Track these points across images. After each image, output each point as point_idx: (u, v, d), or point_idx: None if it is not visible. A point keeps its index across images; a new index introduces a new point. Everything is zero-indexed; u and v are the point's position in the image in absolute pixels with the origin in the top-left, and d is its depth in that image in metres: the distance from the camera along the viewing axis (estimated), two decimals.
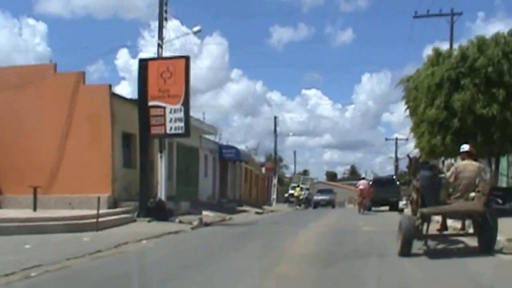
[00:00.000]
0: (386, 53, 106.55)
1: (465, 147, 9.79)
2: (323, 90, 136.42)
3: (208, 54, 77.33)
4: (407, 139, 61.20)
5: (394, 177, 36.55)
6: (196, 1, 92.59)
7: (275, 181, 46.85)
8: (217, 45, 77.66)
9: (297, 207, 40.30)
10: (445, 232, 10.38)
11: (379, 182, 33.65)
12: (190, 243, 12.99)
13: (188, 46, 66.83)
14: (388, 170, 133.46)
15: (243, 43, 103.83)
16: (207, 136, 31.76)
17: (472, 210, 9.07)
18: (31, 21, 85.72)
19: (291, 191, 55.48)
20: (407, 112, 19.48)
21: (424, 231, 9.55)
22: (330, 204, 43.02)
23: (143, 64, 18.37)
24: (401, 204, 32.93)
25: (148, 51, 75.79)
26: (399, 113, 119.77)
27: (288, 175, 72.52)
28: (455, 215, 9.89)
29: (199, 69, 62.00)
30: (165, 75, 17.99)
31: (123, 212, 17.72)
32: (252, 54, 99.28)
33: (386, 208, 33.56)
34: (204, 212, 24.02)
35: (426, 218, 9.31)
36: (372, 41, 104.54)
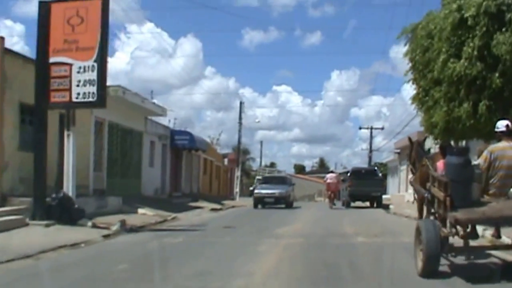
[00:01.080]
0: (354, 52, 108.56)
1: (503, 124, 7.20)
2: (294, 87, 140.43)
3: (182, 53, 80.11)
4: (382, 128, 57.28)
5: (376, 168, 31.99)
6: (170, 4, 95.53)
7: (238, 173, 41.88)
8: (191, 44, 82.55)
9: None
10: (474, 243, 7.38)
11: (358, 174, 29.05)
12: (64, 273, 7.66)
13: (163, 46, 71.28)
14: (355, 163, 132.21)
15: (216, 44, 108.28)
16: (155, 119, 26.63)
17: None
18: (8, 22, 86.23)
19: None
20: (410, 75, 14.64)
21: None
22: (283, 201, 26.72)
23: (45, 7, 13.13)
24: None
25: (125, 51, 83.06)
26: (367, 107, 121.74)
27: (255, 168, 67.89)
28: (501, 221, 7.05)
29: (173, 66, 67.64)
30: (73, 21, 12.86)
31: (13, 212, 12.54)
32: (225, 54, 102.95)
33: (367, 204, 29.12)
34: (141, 211, 18.99)
35: (463, 226, 6.82)
36: (340, 42, 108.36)
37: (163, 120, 30.15)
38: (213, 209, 24.49)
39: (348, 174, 30.26)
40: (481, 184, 6.87)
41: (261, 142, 67.59)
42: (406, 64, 15.08)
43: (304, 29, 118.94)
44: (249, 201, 40.89)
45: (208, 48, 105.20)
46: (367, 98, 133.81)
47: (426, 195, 7.85)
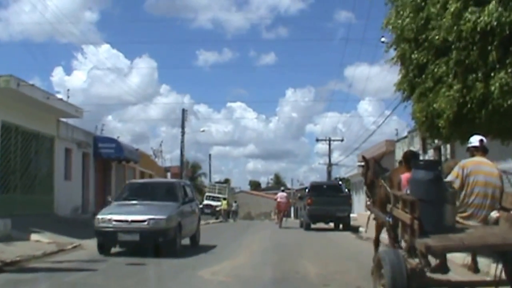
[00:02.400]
0: (309, 72, 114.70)
1: (476, 139, 6.33)
2: (248, 103, 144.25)
3: (137, 72, 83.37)
4: (342, 140, 53.47)
5: (340, 182, 27.85)
6: (125, 25, 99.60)
7: None
8: (146, 64, 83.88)
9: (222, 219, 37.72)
10: (456, 277, 6.52)
11: (319, 190, 24.74)
12: None
13: (118, 66, 74.24)
14: (312, 179, 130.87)
15: (171, 64, 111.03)
16: (76, 123, 21.84)
17: None
18: None
19: (206, 201, 46.20)
20: (393, 53, 10.49)
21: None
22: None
23: None
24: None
25: (82, 69, 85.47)
26: (323, 124, 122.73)
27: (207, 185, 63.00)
28: (483, 250, 6.34)
29: (129, 84, 64.61)
30: None
31: None
32: (180, 73, 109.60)
33: (330, 225, 24.94)
34: (35, 237, 14.36)
35: (437, 256, 6.02)
36: (295, 61, 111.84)
37: (88, 126, 25.44)
38: None
39: (307, 191, 26.00)
40: (452, 205, 5.76)
41: (210, 156, 63.01)
42: (386, 38, 11.10)
43: (258, 50, 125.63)
44: None
45: (163, 67, 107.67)
46: (322, 115, 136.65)
47: (387, 219, 6.89)
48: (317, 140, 51.62)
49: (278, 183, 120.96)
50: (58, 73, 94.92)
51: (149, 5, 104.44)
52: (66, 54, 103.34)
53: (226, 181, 65.40)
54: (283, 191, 30.00)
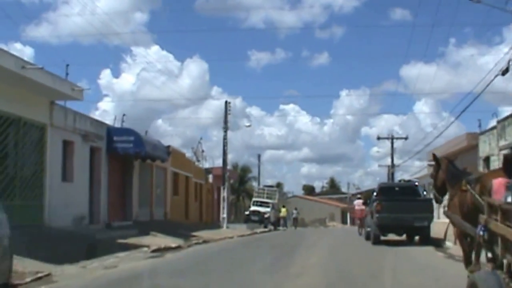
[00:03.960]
0: (363, 72, 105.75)
1: None
2: (302, 106, 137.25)
3: (188, 74, 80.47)
4: (406, 138, 47.26)
5: (417, 184, 22.10)
6: (175, 26, 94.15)
7: (224, 193, 32.05)
8: (197, 66, 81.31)
9: (271, 227, 35.72)
10: None
11: (391, 193, 19.17)
12: None
13: (168, 67, 70.76)
14: (368, 184, 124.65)
15: (223, 65, 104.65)
16: (81, 108, 17.16)
17: None
18: (18, 45, 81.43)
19: (252, 208, 41.08)
20: None
21: None
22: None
23: None
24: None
25: (132, 72, 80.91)
26: (379, 126, 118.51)
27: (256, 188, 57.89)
28: None
29: (179, 86, 68.63)
30: None
31: None
32: (231, 74, 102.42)
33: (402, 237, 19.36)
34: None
35: None
36: (349, 61, 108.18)
37: (105, 117, 20.89)
38: (159, 250, 14.79)
39: (374, 194, 20.39)
40: None
41: (259, 156, 57.97)
42: None
43: (312, 50, 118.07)
44: (242, 229, 31.52)
45: (214, 69, 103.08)
46: (378, 117, 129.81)
47: (480, 233, 5.51)
48: (379, 138, 45.63)
49: (333, 187, 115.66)
50: (106, 76, 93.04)
51: (199, 5, 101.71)
52: (114, 56, 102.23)
53: (278, 185, 59.98)
54: (359, 198, 29.02)
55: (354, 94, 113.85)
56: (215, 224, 32.89)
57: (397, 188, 20.40)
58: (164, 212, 25.13)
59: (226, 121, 31.78)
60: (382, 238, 18.55)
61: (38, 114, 14.82)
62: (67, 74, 16.77)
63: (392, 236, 19.14)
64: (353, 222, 30.34)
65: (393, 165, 44.38)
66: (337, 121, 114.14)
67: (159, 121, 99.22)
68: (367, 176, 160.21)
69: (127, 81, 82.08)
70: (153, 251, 14.43)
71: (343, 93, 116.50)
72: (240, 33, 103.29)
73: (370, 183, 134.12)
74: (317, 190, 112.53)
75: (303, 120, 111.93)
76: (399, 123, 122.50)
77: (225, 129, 31.57)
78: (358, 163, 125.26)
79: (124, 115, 22.34)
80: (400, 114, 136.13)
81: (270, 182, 66.16)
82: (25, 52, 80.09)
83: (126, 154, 19.08)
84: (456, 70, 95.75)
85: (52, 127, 15.44)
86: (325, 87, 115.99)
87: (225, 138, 31.58)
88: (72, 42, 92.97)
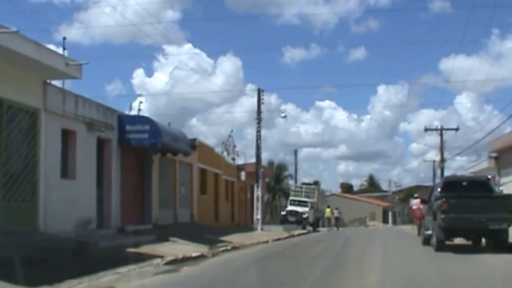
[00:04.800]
0: (401, 66, 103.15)
1: None
2: (338, 102, 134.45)
3: (222, 72, 76.15)
4: (457, 129, 43.39)
5: (490, 177, 18.66)
6: (208, 23, 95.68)
7: (258, 191, 29.02)
8: (231, 63, 79.49)
9: (309, 229, 34.40)
10: None
11: (458, 189, 15.84)
12: None
13: (201, 65, 70.84)
14: (407, 182, 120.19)
15: (257, 62, 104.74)
16: (81, 90, 14.46)
17: None
18: (51, 47, 79.05)
19: (290, 207, 37.95)
20: None
21: None
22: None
23: None
24: None
25: (164, 71, 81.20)
26: (418, 122, 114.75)
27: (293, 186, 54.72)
28: None
29: (213, 84, 66.16)
30: None
31: None
32: (266, 71, 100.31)
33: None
34: None
35: None
36: (386, 55, 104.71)
37: (120, 104, 18.18)
38: (175, 262, 11.89)
39: (438, 190, 16.99)
40: None
41: (295, 152, 54.92)
42: None
43: (348, 45, 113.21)
44: (278, 231, 28.55)
45: (248, 66, 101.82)
46: (417, 112, 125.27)
47: None
48: (426, 130, 41.78)
49: (372, 185, 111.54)
50: (139, 75, 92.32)
51: (231, 1, 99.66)
52: (146, 56, 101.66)
53: (315, 183, 56.61)
54: (416, 198, 27.45)
55: (392, 89, 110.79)
56: (248, 226, 29.93)
57: (465, 183, 16.96)
58: (190, 214, 22.33)
59: (259, 111, 28.77)
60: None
61: (27, 96, 12.11)
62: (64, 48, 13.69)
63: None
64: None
65: (442, 159, 40.56)
66: (375, 117, 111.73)
67: (193, 120, 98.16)
68: (406, 173, 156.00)
69: (160, 80, 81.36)
70: (168, 263, 11.54)
71: (381, 88, 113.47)
72: (273, 28, 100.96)
73: (409, 180, 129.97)
74: (355, 188, 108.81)
75: (340, 117, 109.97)
76: (439, 118, 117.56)
77: (259, 120, 28.54)
78: (397, 160, 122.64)
79: (141, 102, 19.54)
80: (440, 109, 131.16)
81: (306, 180, 63.21)
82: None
83: (140, 146, 16.28)
84: (499, 61, 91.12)
85: (46, 113, 12.73)
86: (362, 82, 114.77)
87: (258, 130, 28.57)
88: (104, 42, 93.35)
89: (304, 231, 33.11)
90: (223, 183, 28.12)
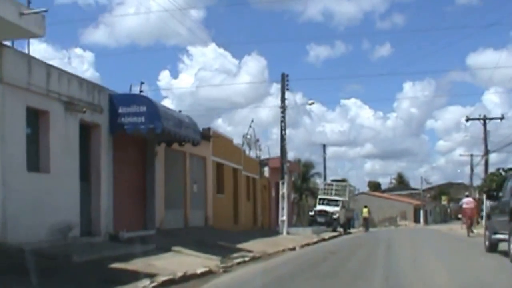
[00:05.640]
0: (427, 63, 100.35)
1: None
2: (363, 99, 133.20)
3: (247, 72, 78.33)
4: (502, 118, 39.17)
5: None
6: (231, 23, 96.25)
7: (284, 189, 25.61)
8: (256, 63, 79.68)
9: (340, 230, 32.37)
10: None
11: None
12: None
13: (226, 66, 71.22)
14: (435, 179, 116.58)
15: (281, 61, 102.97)
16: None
17: None
18: (78, 50, 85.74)
19: (318, 207, 34.49)
20: None
21: None
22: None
23: None
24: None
25: (190, 72, 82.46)
26: (444, 119, 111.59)
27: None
28: None
29: (238, 85, 68.07)
30: None
31: None
32: (291, 70, 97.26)
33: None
34: None
35: None
36: (412, 52, 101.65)
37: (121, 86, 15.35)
38: (170, 283, 8.65)
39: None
40: None
41: (324, 146, 51.61)
42: None
43: (373, 41, 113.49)
44: (306, 235, 25.23)
45: (273, 65, 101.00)
46: (444, 109, 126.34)
47: None
48: (468, 119, 37.86)
49: (401, 183, 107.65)
50: (164, 77, 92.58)
51: (254, 0, 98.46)
52: (172, 57, 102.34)
53: (343, 180, 52.96)
54: (467, 196, 27.40)
55: (419, 86, 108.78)
56: (272, 229, 26.65)
57: None
58: (204, 217, 19.13)
59: (283, 99, 25.38)
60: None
61: None
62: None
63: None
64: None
65: (487, 152, 36.56)
66: (401, 114, 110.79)
67: (219, 121, 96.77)
68: (433, 171, 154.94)
69: (185, 81, 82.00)
70: (159, 285, 8.31)
71: (407, 85, 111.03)
72: (298, 26, 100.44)
73: (437, 178, 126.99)
74: (383, 186, 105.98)
75: (365, 115, 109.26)
76: (467, 115, 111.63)
77: (283, 108, 25.15)
78: (423, 158, 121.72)
79: (142, 83, 16.33)
80: (468, 106, 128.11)
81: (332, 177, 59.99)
82: (85, 57, 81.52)
83: (136, 133, 13.10)
84: None
85: (3, 85, 9.64)
86: (388, 80, 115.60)
87: (282, 120, 25.16)
88: (129, 44, 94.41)
89: (335, 233, 29.70)
90: (243, 180, 24.83)
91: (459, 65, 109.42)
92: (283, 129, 25.37)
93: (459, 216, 39.01)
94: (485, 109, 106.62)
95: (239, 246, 15.29)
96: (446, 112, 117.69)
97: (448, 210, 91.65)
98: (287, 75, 25.99)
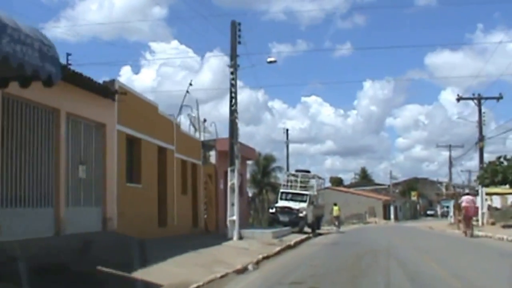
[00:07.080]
0: (387, 62, 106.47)
1: None
2: (324, 97, 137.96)
3: (209, 68, 78.89)
4: (499, 98, 33.28)
5: None
6: (194, 20, 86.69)
7: (234, 179, 18.26)
8: (218, 59, 76.33)
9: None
10: None
11: None
12: None
13: (189, 63, 68.72)
14: (398, 176, 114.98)
15: (243, 58, 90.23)
16: None
17: None
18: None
19: (280, 203, 27.59)
20: None
21: None
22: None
23: None
24: None
25: (152, 68, 79.44)
26: (403, 117, 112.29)
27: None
28: None
29: (201, 80, 69.34)
30: None
31: None
32: (252, 67, 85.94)
33: None
34: None
35: None
36: (372, 51, 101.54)
37: None
38: None
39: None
40: None
41: (287, 131, 45.94)
42: None
43: (334, 40, 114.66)
44: (264, 239, 18.50)
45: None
46: (402, 107, 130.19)
47: None
48: (459, 99, 31.76)
49: (365, 178, 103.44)
50: (126, 73, 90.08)
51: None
52: (133, 52, 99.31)
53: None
54: (467, 194, 25.13)
55: (378, 84, 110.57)
56: (221, 233, 19.70)
57: None
58: (101, 217, 11.91)
59: (234, 54, 18.30)
60: None
61: None
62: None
63: None
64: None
65: (482, 138, 30.45)
66: (361, 112, 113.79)
67: (181, 117, 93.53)
68: (393, 168, 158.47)
69: (147, 77, 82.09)
70: None
71: (367, 83, 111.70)
72: (260, 25, 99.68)
73: (398, 175, 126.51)
74: (346, 182, 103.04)
75: (326, 112, 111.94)
76: (424, 113, 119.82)
77: (233, 65, 18.08)
78: (383, 154, 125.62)
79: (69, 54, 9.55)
80: (425, 104, 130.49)
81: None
82: None
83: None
84: (483, 56, 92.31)
85: None
86: (348, 78, 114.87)
87: (232, 83, 18.06)
88: (91, 39, 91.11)
89: (303, 235, 22.97)
90: (177, 165, 17.69)
91: (417, 64, 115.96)
92: (233, 96, 18.29)
93: (451, 215, 35.84)
94: (442, 108, 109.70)
95: (139, 273, 8.22)
96: (405, 110, 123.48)
97: (418, 206, 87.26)
98: (239, 23, 19.09)
